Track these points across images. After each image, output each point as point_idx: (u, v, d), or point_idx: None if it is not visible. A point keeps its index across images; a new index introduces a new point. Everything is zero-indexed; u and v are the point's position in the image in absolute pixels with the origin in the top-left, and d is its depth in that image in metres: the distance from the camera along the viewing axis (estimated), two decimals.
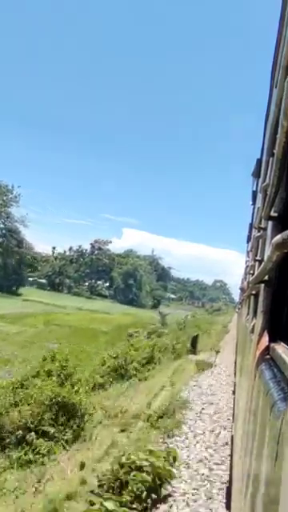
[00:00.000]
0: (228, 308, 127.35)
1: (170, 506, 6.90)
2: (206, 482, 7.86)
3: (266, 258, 2.13)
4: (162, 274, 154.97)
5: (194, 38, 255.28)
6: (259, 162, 6.26)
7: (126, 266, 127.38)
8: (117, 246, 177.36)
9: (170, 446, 9.51)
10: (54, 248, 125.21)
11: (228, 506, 6.21)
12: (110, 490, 6.99)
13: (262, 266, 2.50)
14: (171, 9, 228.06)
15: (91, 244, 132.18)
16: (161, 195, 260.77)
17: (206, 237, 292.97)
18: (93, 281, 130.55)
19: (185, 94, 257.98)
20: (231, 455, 7.92)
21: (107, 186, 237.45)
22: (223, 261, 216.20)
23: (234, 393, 13.20)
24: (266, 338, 2.42)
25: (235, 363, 17.44)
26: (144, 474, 7.07)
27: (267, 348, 2.24)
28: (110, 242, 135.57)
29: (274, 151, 2.00)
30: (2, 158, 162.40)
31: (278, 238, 1.38)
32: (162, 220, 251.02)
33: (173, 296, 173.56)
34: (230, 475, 6.84)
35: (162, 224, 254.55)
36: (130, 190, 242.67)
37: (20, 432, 11.75)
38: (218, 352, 25.19)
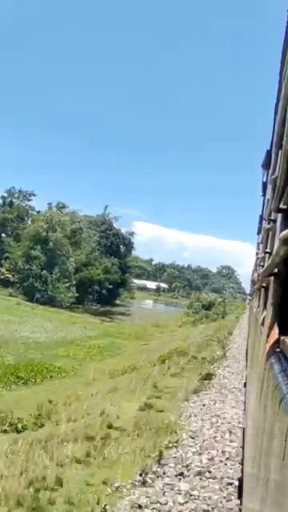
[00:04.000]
0: (233, 305, 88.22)
1: None
2: None
3: (274, 251, 2.12)
4: (118, 248, 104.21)
5: (198, 23, 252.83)
6: (269, 153, 6.21)
7: (32, 228, 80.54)
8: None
9: None
10: None
11: (239, 496, 6.23)
12: None
13: (270, 259, 2.49)
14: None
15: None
16: (168, 187, 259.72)
17: (217, 229, 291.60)
18: None
19: (191, 81, 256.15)
20: (243, 447, 7.93)
21: (109, 178, 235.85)
22: (235, 253, 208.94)
23: (245, 385, 13.22)
24: (276, 331, 2.41)
25: (246, 355, 17.43)
26: None
27: (277, 341, 2.23)
28: (34, 195, 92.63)
29: (283, 143, 1.99)
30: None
31: (285, 233, 1.37)
32: (170, 213, 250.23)
33: (164, 285, 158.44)
34: (242, 469, 6.85)
35: (169, 217, 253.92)
36: (132, 182, 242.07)
37: None
38: None
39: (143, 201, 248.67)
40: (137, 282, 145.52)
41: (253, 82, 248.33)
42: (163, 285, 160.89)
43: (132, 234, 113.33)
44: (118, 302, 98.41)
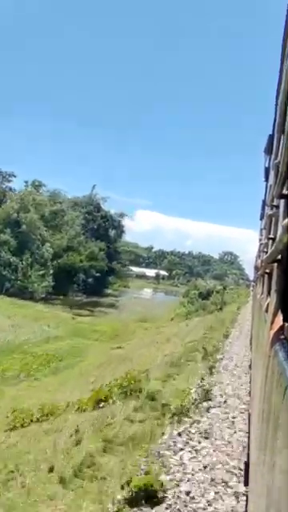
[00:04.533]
0: (235, 293, 78.74)
1: None
2: None
3: (277, 238, 2.10)
4: (106, 231, 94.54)
5: (198, 23, 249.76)
6: (271, 138, 6.14)
7: (1, 209, 71.56)
8: (133, 229, 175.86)
9: None
10: None
11: (246, 483, 6.27)
12: None
13: (273, 246, 2.46)
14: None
15: None
16: (173, 175, 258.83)
17: (221, 216, 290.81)
18: None
19: (198, 70, 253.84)
20: (248, 433, 7.97)
21: (117, 168, 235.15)
22: (238, 239, 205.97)
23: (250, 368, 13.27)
24: (280, 318, 2.39)
25: (251, 340, 17.39)
26: None
27: (281, 328, 2.22)
28: (14, 176, 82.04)
29: (285, 127, 1.96)
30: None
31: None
32: (175, 200, 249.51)
33: (163, 273, 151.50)
34: (248, 454, 6.89)
35: (175, 204, 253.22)
36: (140, 171, 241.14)
37: None
38: None
39: (147, 189, 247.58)
40: (135, 269, 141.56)
41: (253, 77, 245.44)
42: (163, 272, 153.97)
43: (122, 215, 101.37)
44: (109, 291, 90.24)
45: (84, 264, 79.33)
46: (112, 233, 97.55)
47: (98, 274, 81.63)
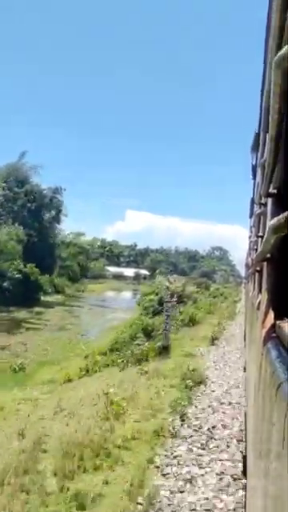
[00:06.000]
0: (222, 293, 65.39)
1: None
2: None
3: (264, 238, 2.12)
4: (38, 214, 67.34)
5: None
6: (257, 135, 6.18)
7: None
8: (122, 230, 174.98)
9: None
10: None
11: (245, 473, 6.33)
12: None
13: (262, 245, 2.49)
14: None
15: None
16: (161, 173, 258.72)
17: (211, 213, 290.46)
18: None
19: (188, 61, 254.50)
20: (245, 430, 8.02)
21: (104, 168, 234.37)
22: (231, 236, 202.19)
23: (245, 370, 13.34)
24: (271, 316, 2.41)
25: (245, 338, 17.55)
26: None
27: (273, 326, 2.24)
28: None
29: (269, 126, 1.97)
30: None
31: (274, 221, 1.37)
32: (164, 199, 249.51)
33: (145, 272, 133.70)
34: (246, 447, 6.94)
35: (163, 203, 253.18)
36: (128, 171, 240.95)
37: None
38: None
39: (137, 190, 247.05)
40: (111, 269, 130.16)
41: (243, 73, 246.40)
42: (143, 271, 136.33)
43: (58, 190, 70.91)
44: (50, 298, 62.48)
45: None
46: (46, 216, 69.38)
47: (17, 276, 54.56)
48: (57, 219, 72.80)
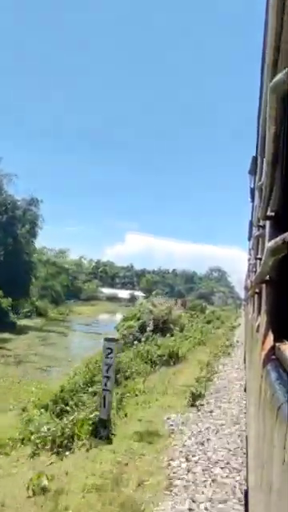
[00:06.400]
0: (219, 317, 59.13)
1: None
2: None
3: (262, 260, 2.14)
4: (12, 227, 58.72)
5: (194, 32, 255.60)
6: (255, 159, 6.28)
7: None
8: (121, 252, 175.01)
9: None
10: None
11: (246, 509, 6.18)
12: None
13: (260, 267, 2.51)
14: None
15: None
16: (159, 196, 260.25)
17: (210, 236, 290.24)
18: None
19: (185, 93, 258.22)
20: (246, 454, 7.89)
21: (104, 191, 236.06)
22: (230, 258, 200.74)
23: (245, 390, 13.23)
24: (271, 338, 2.41)
25: (245, 361, 17.31)
26: None
27: (273, 348, 2.24)
28: None
29: (265, 150, 2.01)
30: None
31: (272, 243, 1.39)
32: (163, 222, 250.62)
33: (139, 294, 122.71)
34: (247, 479, 6.81)
35: (162, 226, 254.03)
36: (127, 194, 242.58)
37: None
38: None
39: (138, 214, 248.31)
40: (105, 291, 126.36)
41: (237, 101, 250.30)
42: (138, 293, 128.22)
43: (34, 202, 62.97)
44: (29, 322, 54.88)
45: None
46: (19, 231, 60.56)
47: None
48: (32, 234, 63.85)
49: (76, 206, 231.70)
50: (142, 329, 31.57)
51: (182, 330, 34.62)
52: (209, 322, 49.60)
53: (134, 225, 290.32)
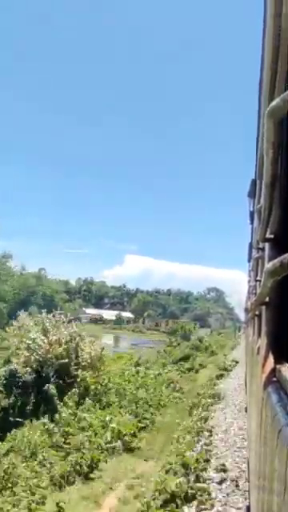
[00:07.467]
0: (214, 345, 47.21)
1: None
2: None
3: (262, 282, 2.15)
4: None
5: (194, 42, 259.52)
6: (254, 182, 6.34)
7: None
8: (120, 273, 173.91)
9: None
10: None
11: None
12: None
13: (260, 289, 2.52)
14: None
15: None
16: (159, 219, 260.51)
17: (210, 258, 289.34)
18: None
19: (184, 115, 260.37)
20: (248, 476, 7.81)
21: (102, 213, 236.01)
22: (230, 280, 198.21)
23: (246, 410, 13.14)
24: (271, 360, 2.41)
25: (245, 383, 17.23)
26: None
27: (273, 370, 2.23)
28: None
29: (263, 173, 2.04)
30: None
31: (270, 265, 1.41)
32: (163, 244, 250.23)
33: (127, 315, 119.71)
34: (249, 497, 6.74)
35: (162, 248, 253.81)
36: (126, 216, 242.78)
37: None
38: None
39: (137, 234, 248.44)
40: (89, 311, 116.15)
41: (237, 122, 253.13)
42: (126, 314, 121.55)
43: None
44: None
45: None
46: None
47: None
48: None
49: (77, 228, 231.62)
50: (15, 384, 18.61)
51: (105, 393, 19.82)
52: (186, 358, 35.00)
53: (133, 247, 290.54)
